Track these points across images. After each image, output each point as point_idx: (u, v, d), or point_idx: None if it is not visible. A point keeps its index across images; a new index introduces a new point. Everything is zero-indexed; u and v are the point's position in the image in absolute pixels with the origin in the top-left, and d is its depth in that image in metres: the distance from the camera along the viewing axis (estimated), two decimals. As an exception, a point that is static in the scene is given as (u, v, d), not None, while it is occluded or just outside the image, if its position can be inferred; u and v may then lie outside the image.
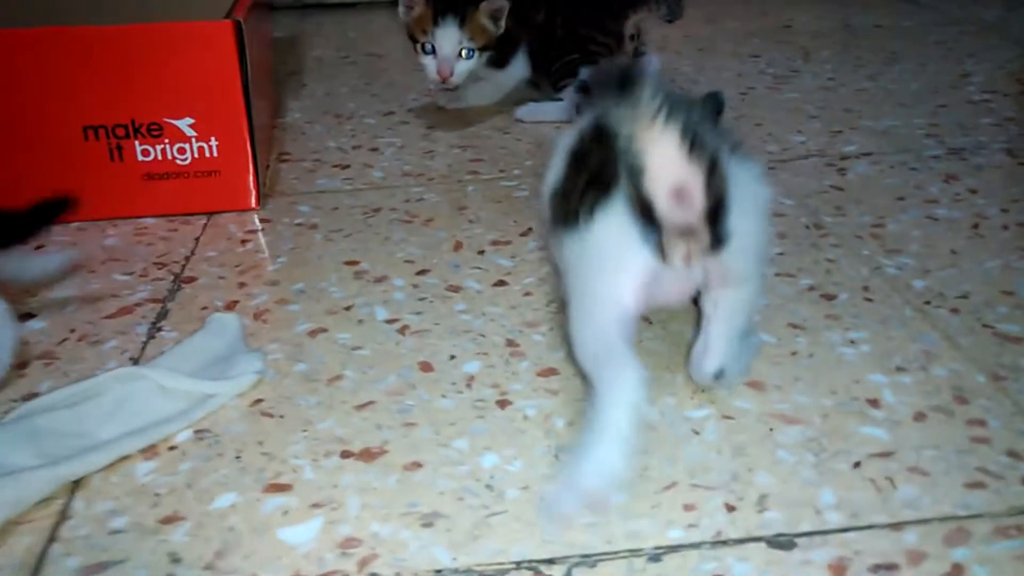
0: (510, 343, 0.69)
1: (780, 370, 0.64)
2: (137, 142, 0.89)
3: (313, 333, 0.71)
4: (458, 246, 0.84)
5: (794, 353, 0.66)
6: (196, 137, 0.89)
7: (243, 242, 0.86)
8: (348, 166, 1.03)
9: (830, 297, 0.73)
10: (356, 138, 1.10)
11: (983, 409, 0.59)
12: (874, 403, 0.60)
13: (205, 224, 0.90)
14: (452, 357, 0.67)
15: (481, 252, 0.83)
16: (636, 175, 0.50)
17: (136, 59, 0.85)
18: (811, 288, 0.74)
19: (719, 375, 0.60)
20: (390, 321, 0.72)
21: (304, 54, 1.49)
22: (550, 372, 0.65)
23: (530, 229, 0.86)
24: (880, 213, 0.87)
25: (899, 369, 0.64)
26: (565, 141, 0.64)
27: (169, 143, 0.89)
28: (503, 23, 1.10)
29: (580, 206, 0.57)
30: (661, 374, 0.64)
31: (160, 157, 0.90)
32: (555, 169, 0.63)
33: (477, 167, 1.02)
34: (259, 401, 0.63)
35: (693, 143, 0.48)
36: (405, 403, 0.62)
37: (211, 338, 0.68)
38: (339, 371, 0.66)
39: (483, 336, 0.70)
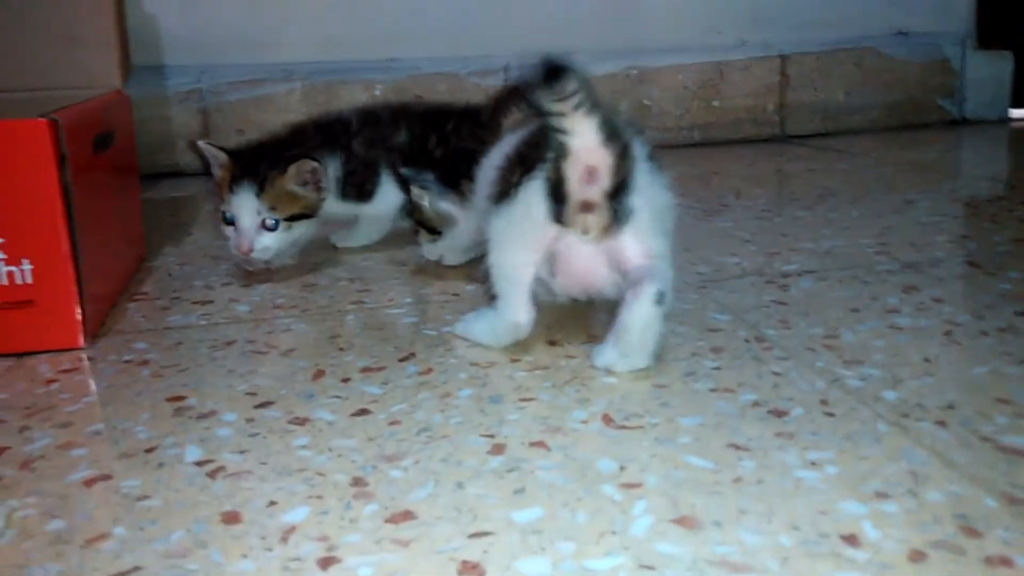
0: (356, 482, 0.50)
1: (719, 502, 0.46)
2: (-71, 265, 0.72)
3: (90, 482, 0.52)
4: (318, 375, 0.67)
5: (737, 479, 0.49)
6: (5, 260, 0.73)
7: (48, 382, 0.68)
8: (210, 302, 0.87)
9: (780, 413, 0.57)
10: (229, 278, 0.95)
11: (1003, 542, 0.42)
12: (851, 540, 0.43)
13: (11, 366, 0.72)
14: (271, 504, 0.48)
15: (346, 380, 0.65)
16: (560, 157, 0.61)
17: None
18: (755, 404, 0.58)
19: (660, 298, 0.61)
20: (201, 463, 0.54)
21: (201, 208, 1.36)
22: (404, 517, 0.46)
23: (412, 355, 0.70)
24: (833, 324, 0.72)
25: (879, 495, 0.47)
26: (501, 148, 0.72)
27: (-30, 267, 0.73)
28: (326, 183, 0.96)
29: (511, 187, 0.65)
30: (557, 512, 0.46)
31: (-42, 284, 0.73)
32: (490, 165, 0.72)
33: (363, 296, 0.86)
34: (-26, 574, 0.43)
35: (610, 131, 0.59)
36: (185, 568, 0.43)
37: (-62, 490, 0.49)
38: (105, 529, 0.47)
39: (321, 475, 0.51)
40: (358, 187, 1.00)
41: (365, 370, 0.67)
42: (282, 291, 0.90)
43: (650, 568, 0.41)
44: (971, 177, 1.41)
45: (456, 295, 0.85)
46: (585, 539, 0.44)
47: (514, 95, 1.03)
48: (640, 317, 0.61)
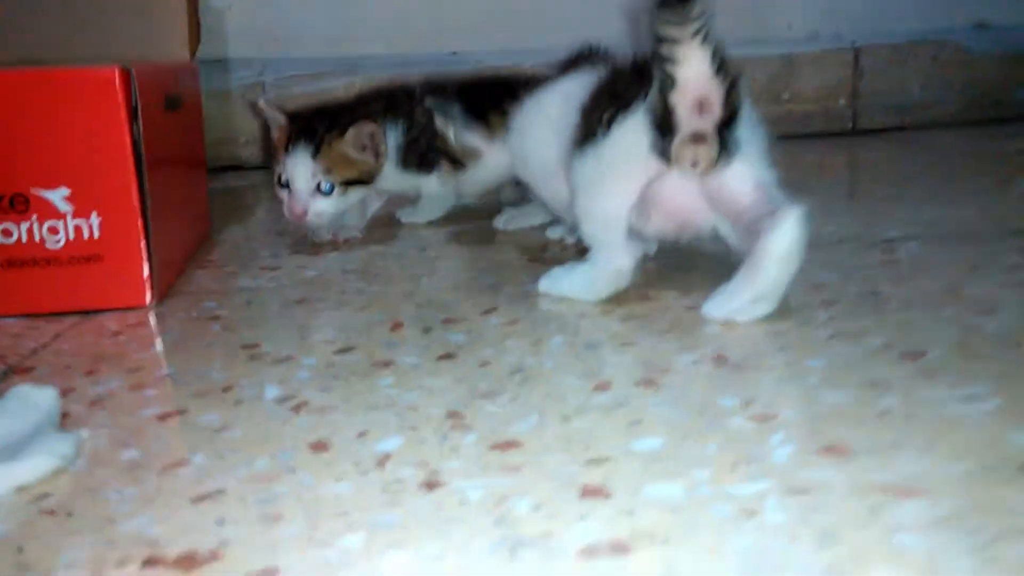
0: (451, 415, 0.46)
1: (867, 432, 0.41)
2: (-5, 218, 0.70)
3: (164, 417, 0.48)
4: (396, 326, 0.63)
5: (883, 413, 0.43)
6: (72, 212, 0.71)
7: (115, 334, 0.65)
8: (278, 268, 0.83)
9: (915, 355, 0.51)
10: (295, 247, 0.91)
11: None
12: (1031, 469, 0.37)
13: (75, 322, 0.69)
14: (361, 435, 0.44)
15: (427, 330, 0.61)
16: (667, 86, 0.57)
17: (-1, 111, 0.68)
18: (885, 347, 0.52)
19: (807, 219, 0.56)
20: (282, 400, 0.50)
21: (264, 194, 1.34)
22: (509, 446, 0.42)
23: (494, 308, 0.65)
24: (952, 279, 0.66)
25: (1052, 429, 0.41)
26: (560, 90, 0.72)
27: (37, 220, 0.70)
28: (384, 147, 0.91)
29: (598, 124, 0.62)
30: (680, 442, 0.41)
31: (26, 239, 0.70)
32: (554, 118, 0.70)
33: (435, 262, 0.82)
34: (44, 496, 0.39)
35: (721, 63, 0.56)
36: (273, 490, 0.39)
37: (5, 417, 0.46)
38: (182, 456, 0.43)
39: (412, 410, 0.47)
40: (419, 156, 0.96)
41: (446, 321, 0.63)
42: (351, 258, 0.86)
43: (803, 492, 0.36)
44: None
45: (534, 260, 0.80)
46: (719, 466, 0.39)
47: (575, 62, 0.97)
48: (787, 244, 0.56)
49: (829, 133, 1.76)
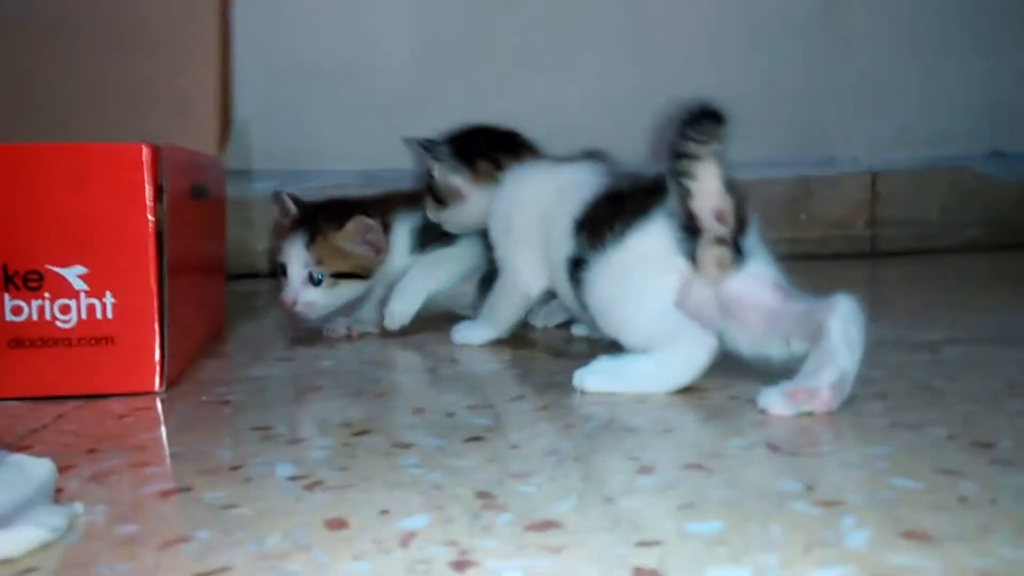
0: (482, 495, 0.42)
1: (951, 519, 0.37)
2: (7, 295, 0.67)
3: (167, 494, 0.44)
4: (418, 411, 0.59)
5: (963, 499, 0.39)
6: (87, 292, 0.68)
7: (121, 417, 0.61)
8: (292, 359, 0.80)
9: (985, 445, 0.47)
10: (309, 343, 0.88)
11: None
12: None
13: (79, 405, 0.65)
14: (384, 512, 0.40)
15: (450, 415, 0.57)
16: (684, 195, 0.60)
17: (16, 186, 0.67)
18: (950, 437, 0.48)
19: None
20: (295, 478, 0.45)
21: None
22: (547, 526, 0.37)
23: (522, 396, 0.62)
24: (1010, 376, 0.62)
25: None
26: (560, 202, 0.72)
27: (50, 298, 0.68)
28: (385, 243, 0.89)
29: (610, 233, 0.64)
30: (741, 525, 0.37)
31: (36, 317, 0.68)
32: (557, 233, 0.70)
33: (457, 354, 0.79)
34: (31, 570, 0.35)
35: (729, 180, 0.60)
36: (285, 568, 0.34)
37: (-5, 487, 0.42)
38: (185, 533, 0.38)
39: (438, 489, 0.43)
40: (437, 235, 0.93)
41: (472, 407, 0.59)
42: (368, 349, 0.83)
43: (889, 578, 0.31)
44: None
45: (559, 354, 0.77)
46: (789, 551, 0.34)
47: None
48: (850, 330, 0.55)
49: (848, 254, 1.75)
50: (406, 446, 0.50)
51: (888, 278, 1.39)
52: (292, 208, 0.91)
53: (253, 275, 1.59)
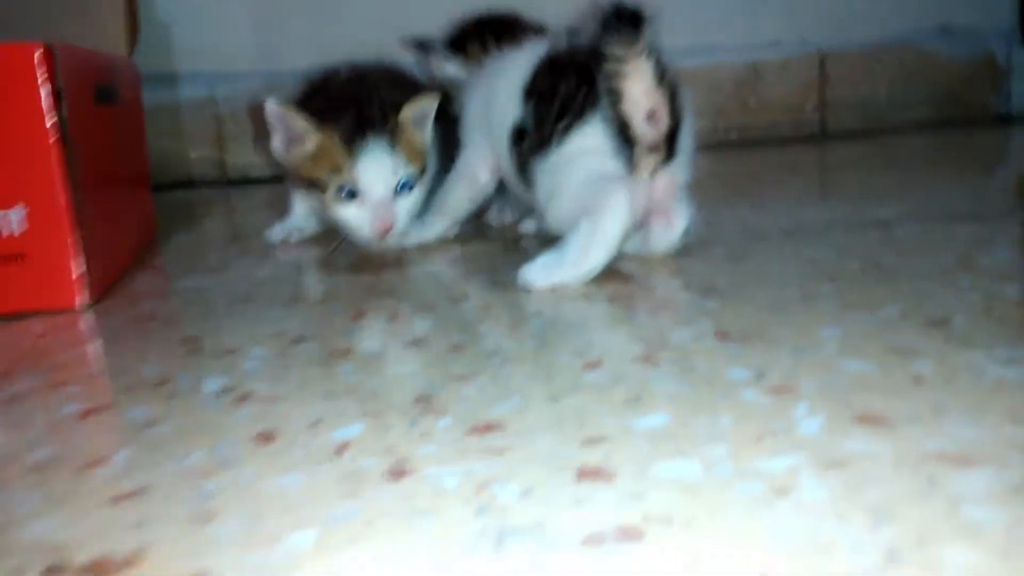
0: (420, 399, 0.39)
1: (905, 400, 0.35)
2: (-94, 212, 0.62)
3: (85, 414, 0.41)
4: (358, 315, 0.56)
5: (918, 379, 0.38)
6: (-7, 204, 0.63)
7: (39, 336, 0.57)
8: (227, 269, 0.76)
9: (939, 322, 0.46)
10: (248, 250, 0.84)
11: None
12: (1103, 430, 0.31)
13: (-3, 325, 0.61)
14: (316, 423, 0.37)
15: (392, 318, 0.55)
16: (615, 100, 0.59)
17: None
18: (903, 315, 0.47)
19: (687, 232, 0.63)
20: (224, 391, 0.43)
21: (216, 206, 1.26)
22: (489, 428, 0.35)
23: (465, 295, 0.59)
24: (962, 252, 0.61)
25: (1110, 390, 0.35)
26: (504, 76, 0.70)
27: (-48, 213, 0.63)
28: (429, 127, 0.75)
29: (553, 131, 0.62)
30: (689, 419, 0.35)
31: (-62, 234, 0.63)
32: (501, 103, 0.68)
33: (401, 256, 0.76)
34: (-73, 506, 0.32)
35: (663, 75, 0.58)
36: (205, 487, 0.32)
37: None
38: (103, 454, 0.36)
39: (375, 396, 0.40)
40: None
41: (414, 309, 0.57)
42: (306, 256, 0.79)
43: (842, 465, 0.30)
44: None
45: (507, 251, 0.75)
46: (739, 441, 0.33)
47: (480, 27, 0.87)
48: (666, 246, 0.63)
49: (797, 138, 1.74)
50: (344, 353, 0.48)
51: (837, 160, 1.38)
52: (298, 120, 0.71)
53: (187, 184, 1.53)
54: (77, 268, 0.65)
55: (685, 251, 0.65)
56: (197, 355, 0.49)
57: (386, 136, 0.70)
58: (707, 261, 0.63)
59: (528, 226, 0.82)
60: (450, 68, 0.80)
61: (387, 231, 0.71)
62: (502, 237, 0.81)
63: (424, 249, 0.77)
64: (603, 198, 0.58)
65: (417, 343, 0.49)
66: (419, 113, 0.74)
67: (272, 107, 0.71)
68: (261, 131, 0.80)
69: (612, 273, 0.60)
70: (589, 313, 0.53)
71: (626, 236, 0.59)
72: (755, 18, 1.78)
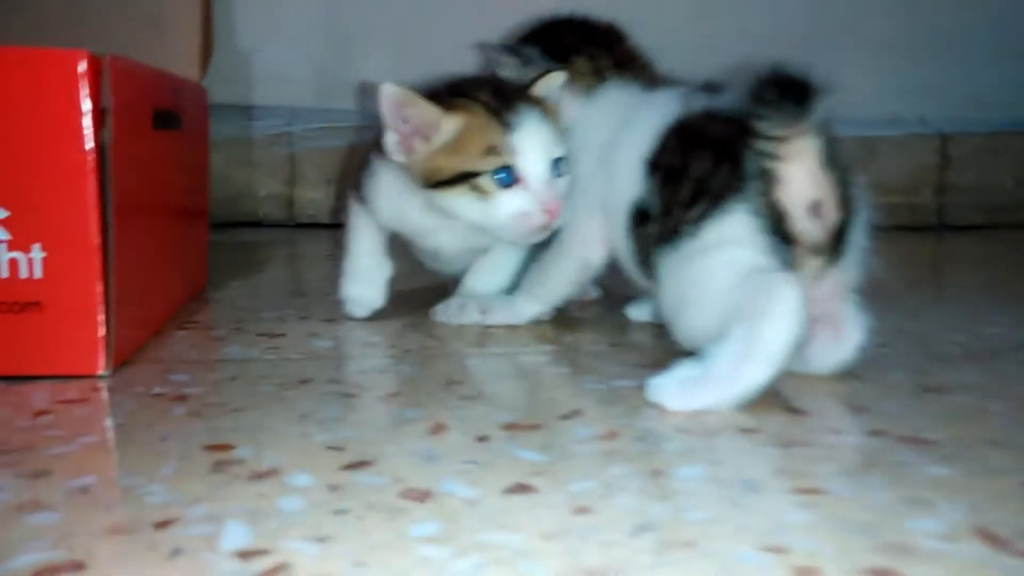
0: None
1: None
2: (-95, 245, 0.51)
3: (43, 573, 0.28)
4: (437, 429, 0.43)
5: None
6: (8, 242, 0.52)
7: (37, 415, 0.45)
8: (281, 335, 0.64)
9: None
10: (307, 311, 0.72)
11: None
12: None
13: (-5, 390, 0.49)
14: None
15: (482, 439, 0.41)
16: (770, 186, 0.47)
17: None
18: None
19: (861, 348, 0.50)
20: (246, 554, 0.29)
21: (277, 252, 1.16)
22: None
23: (576, 411, 0.45)
24: None
25: None
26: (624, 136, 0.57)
27: (-42, 249, 0.52)
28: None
29: (682, 220, 0.50)
30: None
31: (-58, 274, 0.52)
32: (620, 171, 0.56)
33: (486, 339, 0.62)
34: None
35: (833, 156, 0.47)
36: None
37: None
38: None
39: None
40: None
41: (509, 427, 0.43)
42: (376, 329, 0.66)
43: None
44: None
45: (614, 344, 0.61)
46: None
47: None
48: (833, 365, 0.51)
49: (913, 227, 1.58)
50: (421, 497, 0.34)
51: (982, 255, 1.21)
52: (428, 107, 0.59)
53: (255, 224, 1.43)
54: (101, 327, 0.53)
55: (853, 373, 0.51)
56: (222, 476, 0.36)
57: (538, 106, 0.60)
58: (891, 390, 0.49)
59: (639, 312, 0.68)
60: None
61: (554, 214, 0.59)
62: (602, 322, 0.67)
63: (511, 330, 0.64)
64: (766, 297, 0.44)
65: (523, 489, 0.35)
66: (551, 89, 0.63)
67: (390, 91, 0.58)
68: (345, 169, 0.68)
69: (771, 400, 0.45)
70: (758, 460, 0.38)
71: (795, 349, 0.44)
72: (871, 91, 1.63)
